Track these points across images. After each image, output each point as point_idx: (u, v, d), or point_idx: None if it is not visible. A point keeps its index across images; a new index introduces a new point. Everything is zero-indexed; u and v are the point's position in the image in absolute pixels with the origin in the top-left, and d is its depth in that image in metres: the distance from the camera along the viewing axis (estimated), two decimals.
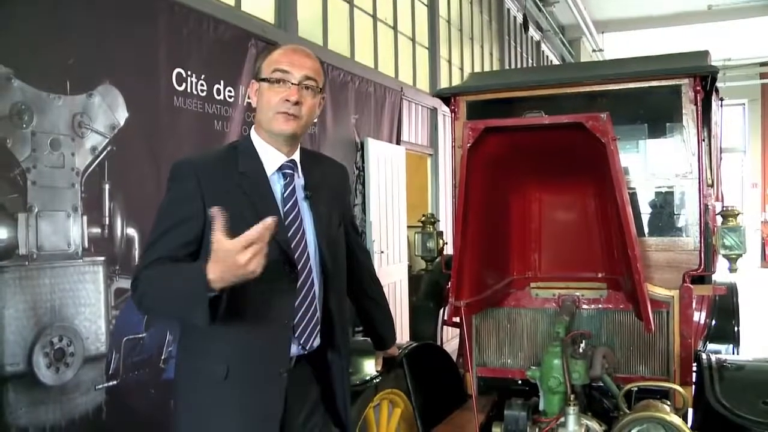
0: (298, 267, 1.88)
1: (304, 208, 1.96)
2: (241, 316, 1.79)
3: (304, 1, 5.76)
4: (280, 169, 1.94)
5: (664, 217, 3.22)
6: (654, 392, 2.88)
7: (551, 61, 15.40)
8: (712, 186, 3.45)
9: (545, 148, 2.63)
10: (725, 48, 14.87)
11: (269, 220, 1.56)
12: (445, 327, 4.66)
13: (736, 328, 4.49)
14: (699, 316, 4.12)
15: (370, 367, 2.72)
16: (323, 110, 5.49)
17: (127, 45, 3.63)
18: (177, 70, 3.97)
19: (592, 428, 2.56)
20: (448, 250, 3.61)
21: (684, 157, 3.06)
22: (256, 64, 1.99)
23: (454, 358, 3.58)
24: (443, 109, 7.80)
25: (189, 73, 4.06)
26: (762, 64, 17.91)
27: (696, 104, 3.00)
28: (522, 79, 3.71)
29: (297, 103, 1.87)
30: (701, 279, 3.14)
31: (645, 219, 3.28)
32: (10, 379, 3.01)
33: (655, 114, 3.48)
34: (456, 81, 9.25)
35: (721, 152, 4.35)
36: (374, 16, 7.19)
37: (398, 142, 7.06)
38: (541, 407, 2.68)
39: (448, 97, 3.46)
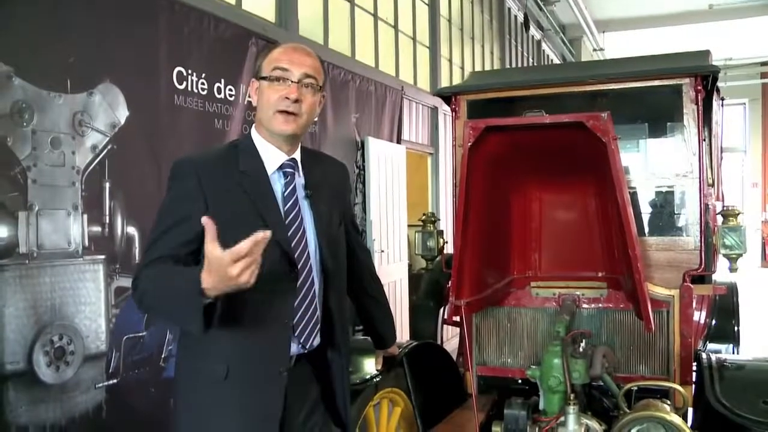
0: (299, 266, 1.88)
1: (305, 207, 1.96)
2: (241, 315, 1.79)
3: (304, 0, 5.75)
4: (281, 168, 1.94)
5: (665, 217, 3.21)
6: (654, 392, 2.88)
7: (552, 61, 15.40)
8: (712, 185, 3.45)
9: (546, 148, 2.63)
10: (726, 47, 14.86)
11: (261, 234, 1.53)
12: (445, 326, 4.66)
13: (736, 328, 4.49)
14: (699, 316, 4.12)
15: (370, 365, 2.72)
16: (324, 109, 5.50)
17: (128, 43, 3.63)
18: (177, 68, 3.97)
19: (592, 427, 2.56)
20: (449, 249, 3.61)
21: (684, 157, 3.06)
22: (256, 62, 2.00)
23: (454, 357, 3.58)
24: (444, 108, 7.80)
25: (189, 71, 4.06)
26: (763, 64, 17.90)
27: (697, 104, 3.00)
28: (523, 78, 3.71)
29: (297, 101, 1.88)
30: (701, 278, 3.13)
31: (645, 218, 3.28)
32: (10, 377, 3.01)
33: (655, 113, 3.48)
34: (457, 80, 9.25)
35: (721, 152, 4.35)
36: (375, 15, 7.19)
37: (399, 141, 7.06)
38: (541, 406, 2.68)
39: (448, 96, 3.45)
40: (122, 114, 3.59)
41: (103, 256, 3.48)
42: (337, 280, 2.04)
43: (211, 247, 1.53)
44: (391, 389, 3.01)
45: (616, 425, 2.54)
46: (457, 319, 2.90)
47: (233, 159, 1.90)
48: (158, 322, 3.69)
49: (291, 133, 1.91)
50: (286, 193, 1.92)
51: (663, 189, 3.20)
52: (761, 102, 19.12)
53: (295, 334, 1.90)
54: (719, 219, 3.15)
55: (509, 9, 12.25)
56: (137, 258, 3.62)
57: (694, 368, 3.02)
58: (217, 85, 4.28)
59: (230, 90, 4.40)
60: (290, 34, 5.33)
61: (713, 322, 4.45)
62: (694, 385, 3.00)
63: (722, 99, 4.20)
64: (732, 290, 4.55)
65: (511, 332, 3.25)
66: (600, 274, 3.09)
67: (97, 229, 3.46)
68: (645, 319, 2.53)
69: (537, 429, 2.62)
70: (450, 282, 2.68)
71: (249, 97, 2.01)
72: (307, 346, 1.94)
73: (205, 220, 1.57)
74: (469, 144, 2.35)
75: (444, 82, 8.76)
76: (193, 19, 4.11)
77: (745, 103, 19.06)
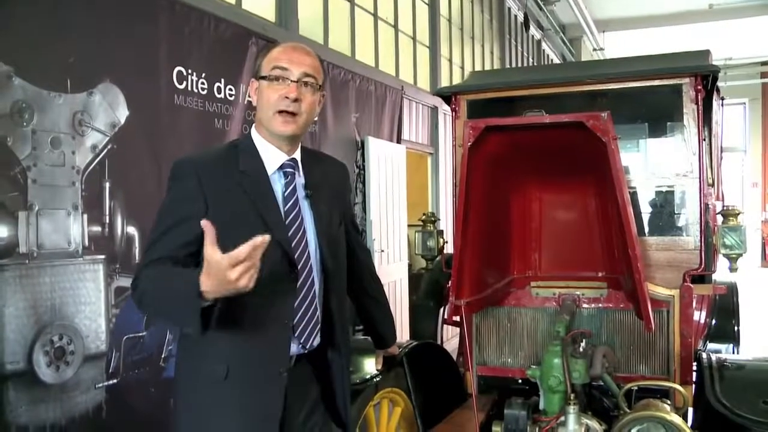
0: (299, 266, 1.88)
1: (305, 207, 1.96)
2: (240, 315, 1.79)
3: (304, 0, 5.75)
4: (281, 168, 1.94)
5: (665, 217, 3.21)
6: (654, 391, 2.88)
7: (552, 60, 15.39)
8: (712, 185, 3.45)
9: (546, 147, 2.63)
10: (726, 47, 14.85)
11: (260, 238, 1.53)
12: (445, 326, 4.66)
13: (736, 328, 4.49)
14: (699, 316, 4.12)
15: (370, 365, 2.72)
16: (324, 109, 5.50)
17: (128, 43, 3.63)
18: (178, 68, 3.97)
19: (592, 427, 2.56)
20: (449, 248, 3.61)
21: (685, 157, 3.06)
22: (256, 62, 1.99)
23: (455, 357, 3.58)
24: (444, 108, 7.80)
25: (190, 71, 4.06)
26: (763, 64, 17.90)
27: (697, 103, 3.00)
28: (523, 78, 3.71)
29: (296, 100, 1.87)
30: (701, 278, 3.13)
31: (645, 218, 3.28)
32: (10, 377, 3.01)
33: (655, 113, 3.48)
34: (457, 80, 9.25)
35: (721, 151, 4.35)
36: (375, 15, 7.18)
37: (399, 141, 7.06)
38: (541, 406, 2.68)
39: (448, 95, 3.45)
40: (122, 114, 3.59)
41: (103, 256, 3.48)
42: (337, 280, 2.03)
43: (211, 251, 1.53)
44: (391, 389, 3.01)
45: (616, 425, 2.54)
46: (457, 319, 2.90)
47: (233, 159, 1.90)
48: (157, 322, 3.68)
49: (291, 134, 1.91)
50: (286, 193, 1.92)
51: (663, 189, 3.20)
52: (761, 102, 19.11)
53: (295, 335, 1.90)
54: (719, 219, 3.15)
55: (509, 9, 12.24)
56: (137, 258, 3.61)
57: (695, 368, 3.02)
58: (217, 84, 4.28)
59: (230, 90, 4.39)
60: (290, 34, 5.33)
61: (713, 321, 4.45)
62: (694, 385, 3.00)
63: (722, 99, 4.20)
64: (732, 290, 4.55)
65: (511, 332, 3.24)
66: (600, 274, 3.09)
67: (97, 228, 3.46)
68: (645, 319, 2.53)
69: (537, 429, 2.62)
70: (450, 282, 2.68)
71: (249, 96, 2.01)
72: (308, 347, 1.94)
73: (205, 224, 1.56)
74: (469, 144, 2.35)
75: (444, 82, 8.75)
76: (194, 19, 4.11)
77: (745, 103, 19.06)
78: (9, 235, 3.05)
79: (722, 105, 4.27)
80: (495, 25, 11.48)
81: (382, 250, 6.44)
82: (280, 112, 1.88)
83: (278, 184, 1.93)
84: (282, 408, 1.85)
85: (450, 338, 5.83)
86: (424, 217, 3.72)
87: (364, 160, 6.19)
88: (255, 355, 1.84)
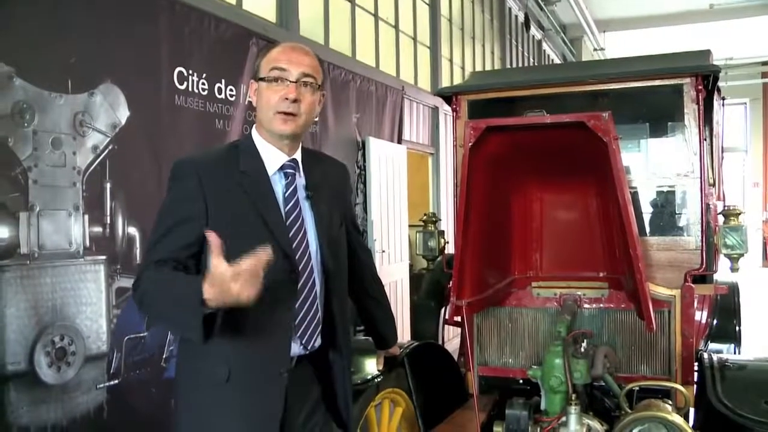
0: (299, 267, 1.88)
1: (306, 207, 1.95)
2: (242, 316, 1.78)
3: (305, 0, 5.75)
4: (282, 168, 1.94)
5: (666, 217, 3.21)
6: (656, 392, 2.88)
7: (552, 60, 15.39)
8: (713, 185, 3.44)
9: (547, 148, 2.63)
10: (727, 47, 14.85)
11: (264, 254, 1.54)
12: (446, 326, 4.66)
13: (737, 328, 4.48)
14: (700, 316, 4.12)
15: (371, 366, 2.72)
16: (324, 109, 5.50)
17: (129, 44, 3.63)
18: (178, 68, 3.97)
19: (594, 428, 2.56)
20: (450, 249, 3.61)
21: (685, 157, 3.06)
22: (255, 63, 1.99)
23: (456, 357, 3.58)
24: (444, 108, 7.80)
25: (190, 71, 4.06)
26: (764, 64, 17.90)
27: (698, 103, 3.00)
28: (523, 78, 3.71)
29: (295, 101, 1.87)
30: (703, 278, 3.13)
31: (646, 218, 3.28)
32: (11, 378, 3.01)
33: (656, 113, 3.48)
34: (457, 80, 9.24)
35: (722, 151, 4.34)
36: (376, 15, 7.18)
37: (399, 141, 7.06)
38: (542, 407, 2.68)
39: (449, 96, 3.45)
40: (123, 114, 3.59)
41: (104, 257, 3.48)
42: (338, 281, 2.03)
43: (216, 262, 1.54)
44: (392, 389, 3.01)
45: (617, 425, 2.54)
46: (458, 319, 2.90)
47: (234, 159, 1.90)
48: (157, 325, 3.67)
49: (291, 132, 1.91)
50: (286, 194, 1.92)
51: (664, 189, 3.20)
52: (762, 102, 19.10)
53: (297, 335, 1.90)
54: (720, 219, 3.15)
55: (510, 9, 12.24)
56: (138, 258, 3.62)
57: (696, 368, 3.02)
58: (217, 85, 4.28)
59: (231, 90, 4.40)
60: (291, 35, 5.33)
61: (715, 321, 4.45)
62: (695, 385, 2.99)
63: (723, 99, 4.20)
64: (733, 290, 4.55)
65: (512, 332, 3.24)
66: (601, 274, 3.09)
67: (98, 229, 3.46)
68: (646, 319, 2.53)
69: (538, 429, 2.62)
70: (451, 282, 2.68)
71: (249, 98, 2.01)
72: (309, 347, 1.94)
73: (211, 235, 1.57)
74: (470, 144, 2.35)
75: (445, 82, 8.75)
76: (194, 20, 4.12)
77: (745, 103, 19.04)
78: (10, 236, 3.05)
79: (723, 105, 4.26)
80: (496, 25, 11.48)
81: (383, 251, 6.44)
82: (280, 112, 1.88)
83: (279, 185, 1.93)
84: (283, 408, 1.85)
85: (451, 338, 5.83)
86: (425, 217, 3.72)
87: (364, 161, 6.19)
88: (256, 355, 1.84)
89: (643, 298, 2.48)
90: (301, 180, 1.97)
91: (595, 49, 15.57)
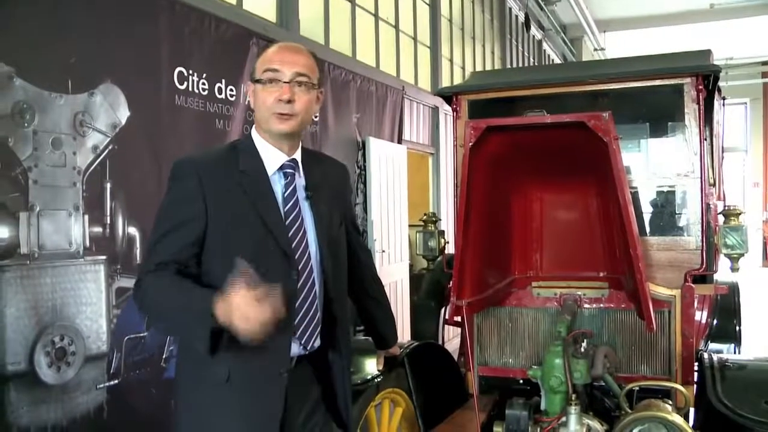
0: (299, 267, 1.88)
1: (305, 207, 1.95)
2: None
3: (305, 0, 5.75)
4: (281, 168, 1.93)
5: (666, 217, 3.21)
6: (656, 392, 2.87)
7: (553, 60, 15.39)
8: (713, 185, 3.44)
9: (547, 148, 2.63)
10: (727, 47, 14.84)
11: (281, 309, 1.62)
12: (446, 326, 4.66)
13: (737, 328, 4.48)
14: (701, 316, 4.12)
15: (371, 366, 2.72)
16: (325, 109, 5.50)
17: (129, 44, 3.63)
18: (178, 68, 3.97)
19: (594, 428, 2.56)
20: (450, 249, 3.60)
21: (686, 157, 3.06)
22: (252, 65, 1.99)
23: (456, 357, 3.58)
24: (445, 108, 7.80)
25: (190, 71, 4.06)
26: (764, 63, 17.89)
27: (698, 103, 3.00)
28: (524, 78, 3.70)
29: (290, 102, 1.87)
30: (703, 278, 3.13)
31: (647, 218, 3.28)
32: (11, 378, 3.01)
33: (657, 113, 3.47)
34: (457, 80, 9.24)
35: (722, 151, 4.34)
36: (376, 15, 7.18)
37: (400, 141, 7.06)
38: (542, 407, 2.68)
39: (449, 96, 3.45)
40: (123, 114, 3.59)
41: (104, 257, 3.48)
42: (337, 281, 2.03)
43: (241, 290, 1.59)
44: (392, 389, 3.01)
45: (617, 425, 2.54)
46: (458, 319, 2.90)
47: (233, 159, 1.90)
48: (158, 330, 3.67)
49: (288, 131, 1.90)
50: (286, 194, 1.92)
51: (664, 189, 3.20)
52: (762, 101, 19.10)
53: (296, 336, 1.90)
54: (720, 219, 3.15)
55: (510, 9, 12.24)
56: (138, 258, 3.62)
57: (696, 368, 3.02)
58: (218, 85, 4.28)
59: (231, 90, 4.40)
60: (291, 35, 5.33)
61: (715, 321, 4.44)
62: (695, 385, 2.99)
63: (723, 98, 4.19)
64: (733, 290, 4.55)
65: (512, 332, 3.24)
66: (601, 274, 3.09)
67: (98, 229, 3.46)
68: (646, 319, 2.53)
69: (538, 429, 2.62)
70: (451, 282, 2.68)
71: (248, 99, 2.01)
72: (308, 347, 1.94)
73: (243, 268, 1.62)
74: (471, 144, 2.35)
75: (445, 82, 8.75)
76: (194, 20, 4.11)
77: (746, 103, 19.04)
78: (10, 236, 3.05)
79: (723, 105, 4.26)
80: (496, 25, 11.48)
81: (383, 251, 6.44)
82: (275, 113, 1.87)
83: (278, 185, 1.93)
84: (283, 409, 1.85)
85: (451, 338, 5.83)
86: (425, 217, 3.72)
87: (365, 161, 6.19)
88: (256, 356, 1.83)
89: (644, 298, 2.48)
90: (300, 180, 1.97)
91: (595, 49, 15.57)
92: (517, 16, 12.63)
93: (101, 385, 3.44)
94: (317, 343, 1.96)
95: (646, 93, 3.20)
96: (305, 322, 1.91)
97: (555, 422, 2.57)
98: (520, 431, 2.64)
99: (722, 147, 4.29)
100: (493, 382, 3.29)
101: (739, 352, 4.40)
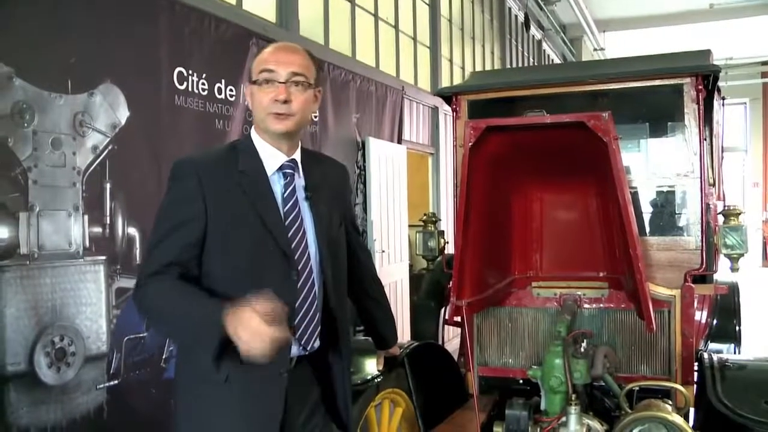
0: (299, 267, 1.88)
1: (305, 208, 1.95)
2: None
3: (305, 0, 5.75)
4: (281, 168, 1.93)
5: (666, 217, 3.21)
6: (656, 392, 2.88)
7: (552, 60, 15.39)
8: (713, 185, 3.44)
9: (547, 148, 2.63)
10: (727, 47, 14.84)
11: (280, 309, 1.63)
12: (446, 326, 4.66)
13: (737, 328, 4.48)
14: (700, 316, 4.12)
15: (371, 366, 2.72)
16: (324, 110, 5.50)
17: (128, 44, 3.63)
18: (178, 69, 3.97)
19: (594, 428, 2.56)
20: (450, 249, 3.60)
21: (685, 157, 3.06)
22: (247, 66, 1.99)
23: (456, 357, 3.58)
24: (444, 108, 7.80)
25: (190, 72, 4.06)
26: (764, 63, 17.90)
27: (698, 103, 3.00)
28: (523, 78, 3.70)
29: (286, 102, 1.86)
30: (703, 278, 3.13)
31: (646, 218, 3.28)
32: (11, 378, 3.01)
33: (656, 113, 3.48)
34: (457, 80, 9.24)
35: (722, 151, 4.34)
36: (376, 15, 7.18)
37: (399, 141, 7.06)
38: (542, 407, 2.68)
39: (449, 96, 3.45)
40: (123, 114, 3.59)
41: (103, 257, 3.48)
42: (337, 281, 2.03)
43: (259, 308, 1.61)
44: (392, 390, 3.01)
45: (617, 425, 2.54)
46: (458, 319, 2.90)
47: (233, 159, 1.90)
48: (159, 334, 3.67)
49: (285, 130, 1.90)
50: (285, 194, 1.92)
51: (664, 189, 3.20)
52: (762, 101, 19.11)
53: (296, 336, 1.89)
54: (720, 219, 3.15)
55: (510, 9, 12.24)
56: (138, 259, 3.61)
57: (696, 368, 3.02)
58: (217, 85, 4.28)
59: (231, 90, 4.40)
60: (291, 35, 5.33)
61: (715, 321, 4.44)
62: (695, 385, 2.99)
63: (723, 98, 4.19)
64: (733, 290, 4.55)
65: (512, 332, 3.24)
66: (601, 274, 3.09)
67: (97, 229, 3.45)
68: (646, 319, 2.53)
69: (538, 429, 2.62)
70: (451, 282, 2.68)
71: (246, 101, 2.02)
72: (308, 348, 1.93)
73: (264, 300, 1.63)
74: (470, 144, 2.35)
75: (444, 82, 8.75)
76: (194, 20, 4.11)
77: (745, 103, 19.05)
78: (10, 236, 3.05)
79: (723, 105, 4.26)
80: (495, 25, 11.48)
81: (383, 251, 6.44)
82: (272, 113, 1.87)
83: (278, 185, 1.92)
84: (282, 409, 1.85)
85: (451, 339, 5.83)
86: (425, 217, 3.72)
87: (364, 161, 6.19)
88: None
89: (643, 298, 2.48)
90: (300, 180, 1.97)
91: (595, 49, 15.57)
92: (516, 16, 12.63)
93: (101, 386, 3.44)
94: (317, 343, 1.96)
95: (646, 93, 3.20)
96: (305, 323, 1.91)
97: (555, 422, 2.57)
98: (520, 431, 2.64)
99: (722, 147, 4.29)
100: (493, 382, 3.29)
101: (739, 352, 4.40)
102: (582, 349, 2.78)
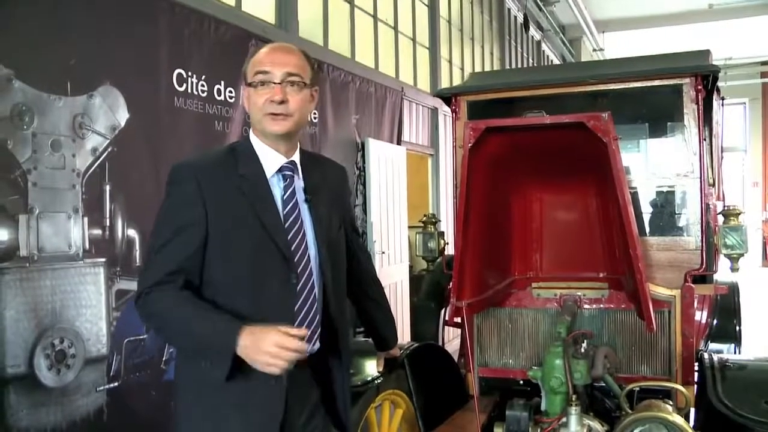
0: (298, 270, 1.88)
1: (304, 210, 1.95)
2: (241, 319, 1.78)
3: (304, 2, 5.76)
4: (280, 170, 1.93)
5: (666, 217, 3.21)
6: (656, 392, 2.87)
7: (552, 61, 15.40)
8: (713, 185, 3.44)
9: (546, 148, 2.63)
10: (726, 47, 14.85)
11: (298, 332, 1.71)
12: (446, 327, 4.65)
13: (737, 328, 4.48)
14: (701, 316, 4.12)
15: (371, 367, 2.72)
16: (324, 111, 5.50)
17: (128, 46, 3.63)
18: (178, 70, 3.97)
19: (594, 428, 2.55)
20: (449, 250, 3.60)
21: (685, 157, 3.06)
22: (243, 68, 1.98)
23: (456, 358, 3.58)
24: (444, 109, 7.80)
25: (190, 73, 4.06)
26: (763, 63, 17.92)
27: (697, 103, 3.00)
28: (523, 78, 3.71)
29: (282, 102, 1.86)
30: (703, 278, 3.13)
31: (646, 218, 3.28)
32: (11, 380, 3.01)
33: (656, 113, 3.48)
34: (456, 81, 9.24)
35: (722, 151, 4.34)
36: (375, 17, 7.19)
37: (399, 142, 7.06)
38: (542, 407, 2.68)
39: (448, 97, 3.45)
40: (122, 116, 3.59)
41: (103, 259, 3.48)
42: (337, 283, 2.02)
43: (284, 332, 1.68)
44: (392, 391, 3.00)
45: (618, 426, 2.54)
46: (458, 320, 2.90)
47: (232, 162, 1.89)
48: (160, 340, 3.67)
49: (283, 131, 1.89)
50: (285, 197, 1.91)
51: (664, 189, 3.20)
52: (761, 101, 19.12)
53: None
54: (720, 219, 3.15)
55: (509, 10, 12.25)
56: (138, 261, 3.61)
57: (696, 368, 3.02)
58: (217, 87, 4.28)
59: (230, 92, 4.39)
60: (290, 36, 5.33)
61: (715, 322, 4.44)
62: (696, 386, 2.99)
63: (722, 98, 4.19)
64: (733, 290, 4.54)
65: (512, 333, 3.24)
66: (601, 275, 3.09)
67: (97, 231, 3.45)
68: (646, 320, 2.52)
69: (539, 430, 2.62)
70: (451, 283, 2.68)
71: (243, 103, 2.01)
72: (308, 350, 1.93)
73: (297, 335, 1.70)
74: (470, 145, 2.35)
75: (444, 83, 8.75)
76: (194, 21, 4.12)
77: (745, 103, 19.06)
78: (9, 239, 3.04)
79: (722, 105, 4.26)
80: (495, 26, 11.49)
81: (383, 252, 6.44)
82: (268, 114, 1.87)
83: (277, 187, 1.92)
84: (282, 411, 1.85)
85: (451, 339, 5.83)
86: (424, 218, 3.72)
87: (364, 162, 6.18)
88: None
89: (643, 298, 2.48)
90: (299, 182, 1.97)
91: (594, 50, 15.58)
92: (515, 17, 12.64)
93: (101, 388, 3.44)
94: (317, 345, 1.96)
95: (646, 93, 3.20)
96: (305, 325, 1.90)
97: (555, 423, 2.57)
98: None
99: (721, 147, 4.29)
100: (493, 383, 3.29)
101: (739, 352, 4.39)
102: (582, 350, 2.78)
